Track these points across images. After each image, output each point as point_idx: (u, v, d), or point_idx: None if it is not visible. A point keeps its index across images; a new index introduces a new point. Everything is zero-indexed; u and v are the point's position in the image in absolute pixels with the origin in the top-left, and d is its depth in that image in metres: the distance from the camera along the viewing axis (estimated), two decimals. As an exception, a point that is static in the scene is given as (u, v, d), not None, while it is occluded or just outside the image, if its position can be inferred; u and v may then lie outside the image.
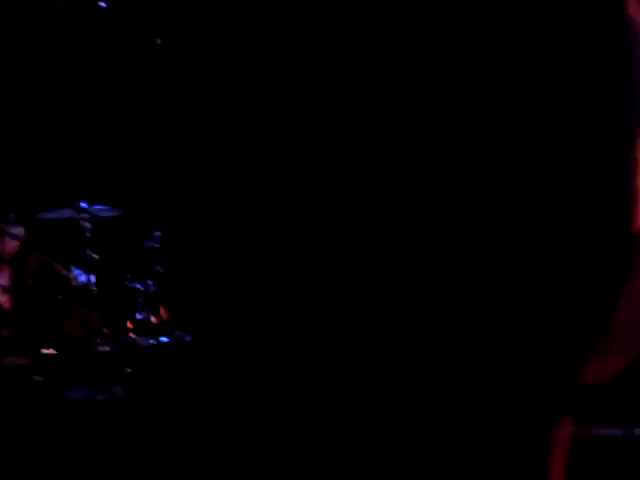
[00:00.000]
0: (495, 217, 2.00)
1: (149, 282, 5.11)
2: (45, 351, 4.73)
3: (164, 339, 4.83)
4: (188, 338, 4.85)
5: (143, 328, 4.96)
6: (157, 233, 5.30)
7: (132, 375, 4.58)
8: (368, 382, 2.08)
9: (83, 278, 5.05)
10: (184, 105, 2.24)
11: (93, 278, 4.94)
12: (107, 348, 4.72)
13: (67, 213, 5.00)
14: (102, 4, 5.12)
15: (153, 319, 5.04)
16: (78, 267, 5.08)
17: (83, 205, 5.02)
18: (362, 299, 2.08)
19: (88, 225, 5.03)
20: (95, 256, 5.01)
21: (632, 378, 2.08)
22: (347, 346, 2.08)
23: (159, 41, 4.88)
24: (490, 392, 2.01)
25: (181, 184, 2.28)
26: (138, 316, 5.04)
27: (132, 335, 4.92)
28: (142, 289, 5.07)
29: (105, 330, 4.88)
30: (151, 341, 4.81)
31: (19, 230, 5.03)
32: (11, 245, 5.01)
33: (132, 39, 5.48)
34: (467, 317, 2.01)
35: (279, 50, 2.08)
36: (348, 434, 2.08)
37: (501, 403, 2.00)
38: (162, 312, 5.09)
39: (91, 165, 5.56)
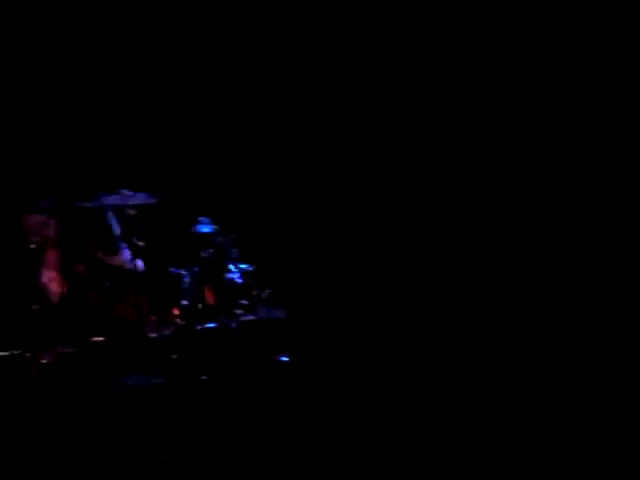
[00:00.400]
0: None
1: (194, 268, 5.13)
2: (95, 338, 4.77)
3: (210, 325, 4.85)
4: (234, 324, 4.88)
5: (189, 314, 4.98)
6: (203, 218, 5.32)
7: (178, 361, 4.61)
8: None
9: (132, 264, 5.08)
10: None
11: (141, 264, 4.97)
12: (154, 334, 4.75)
13: (111, 200, 5.04)
14: None
15: (199, 305, 5.06)
16: (124, 254, 5.11)
17: (127, 192, 5.06)
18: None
19: (132, 212, 5.07)
20: (140, 243, 5.04)
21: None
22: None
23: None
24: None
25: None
26: (183, 302, 5.06)
27: (178, 321, 4.93)
28: (187, 275, 5.09)
29: (152, 316, 4.91)
30: (197, 327, 4.83)
31: (59, 223, 5.06)
32: (52, 237, 5.04)
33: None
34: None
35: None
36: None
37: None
38: (208, 298, 5.10)
39: (135, 152, 5.58)
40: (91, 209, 5.14)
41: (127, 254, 5.06)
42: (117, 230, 5.09)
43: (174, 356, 4.63)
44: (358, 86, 4.18)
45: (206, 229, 5.29)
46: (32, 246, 4.98)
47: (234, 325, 4.87)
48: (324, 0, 4.71)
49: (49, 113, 5.39)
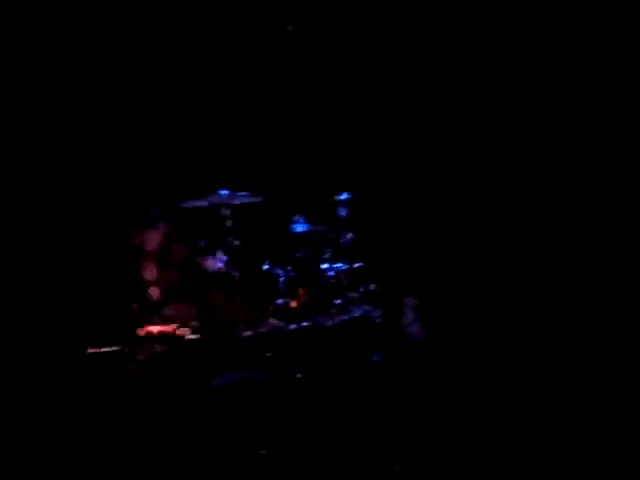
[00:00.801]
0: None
1: (289, 268, 5.14)
2: (189, 337, 4.81)
3: (305, 323, 4.86)
4: (328, 322, 4.87)
5: (284, 313, 4.99)
6: (298, 218, 5.34)
7: (274, 359, 4.62)
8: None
9: (228, 264, 5.12)
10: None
11: (233, 265, 5.02)
12: (249, 333, 4.77)
13: (209, 201, 5.09)
14: None
15: (293, 304, 5.07)
16: (220, 254, 5.15)
17: (224, 192, 5.11)
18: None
19: (228, 212, 5.11)
20: (236, 242, 5.09)
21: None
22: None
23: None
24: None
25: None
26: (278, 301, 5.08)
27: (273, 320, 4.95)
28: (282, 274, 5.11)
29: (248, 315, 4.93)
30: (292, 326, 4.84)
31: (162, 225, 5.14)
32: (155, 240, 5.12)
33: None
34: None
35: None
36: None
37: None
38: (302, 297, 5.11)
39: (232, 152, 5.63)
40: (193, 210, 5.20)
41: (223, 254, 5.11)
42: (215, 230, 5.15)
43: (269, 354, 4.65)
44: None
45: (301, 228, 5.30)
46: (134, 245, 5.08)
47: (329, 324, 4.86)
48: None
49: (148, 118, 5.47)
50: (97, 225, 4.97)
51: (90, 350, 4.46)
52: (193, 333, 4.73)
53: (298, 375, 4.46)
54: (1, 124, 3.67)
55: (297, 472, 3.65)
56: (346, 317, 4.92)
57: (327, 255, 5.24)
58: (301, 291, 5.11)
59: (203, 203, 5.11)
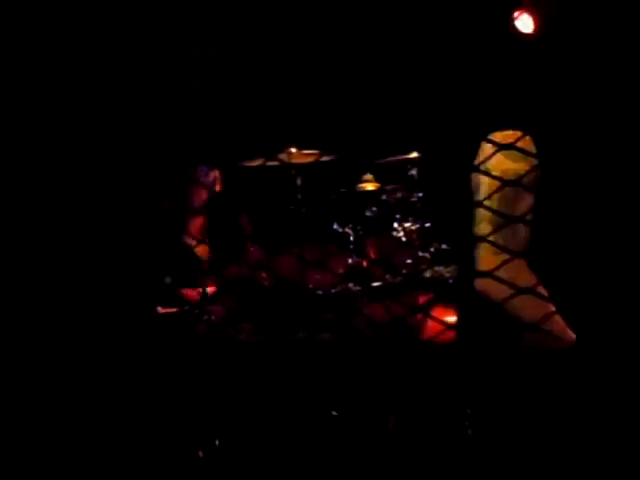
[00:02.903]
0: None
1: (358, 227, 5.09)
2: (259, 295, 4.80)
3: (375, 284, 4.81)
4: (399, 283, 4.81)
5: (354, 273, 4.95)
6: (368, 175, 5.28)
7: (341, 320, 4.59)
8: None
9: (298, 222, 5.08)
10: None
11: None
12: (320, 292, 4.74)
13: (275, 159, 5.05)
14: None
15: (364, 263, 5.02)
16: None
17: (294, 150, 5.06)
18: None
19: (295, 171, 5.06)
20: (304, 201, 5.04)
21: None
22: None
23: None
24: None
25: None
26: (348, 260, 5.03)
27: (344, 280, 4.91)
28: (352, 233, 5.06)
29: (318, 275, 4.90)
30: (362, 286, 4.79)
31: (212, 177, 5.10)
32: (204, 196, 5.10)
33: None
34: None
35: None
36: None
37: None
38: (372, 256, 5.06)
39: (301, 110, 5.57)
40: (253, 169, 5.17)
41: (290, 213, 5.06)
42: (283, 189, 5.11)
43: (339, 314, 4.61)
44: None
45: (371, 187, 5.24)
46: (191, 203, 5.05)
47: (399, 284, 4.80)
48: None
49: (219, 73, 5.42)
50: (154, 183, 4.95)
51: (160, 311, 4.47)
52: (261, 292, 4.72)
53: (365, 335, 4.42)
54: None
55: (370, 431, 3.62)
56: (417, 277, 4.86)
57: (397, 214, 5.17)
58: (371, 251, 5.06)
59: (272, 162, 5.07)
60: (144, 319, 4.29)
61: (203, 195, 5.10)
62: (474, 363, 3.02)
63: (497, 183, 2.69)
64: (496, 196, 2.75)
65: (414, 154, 5.26)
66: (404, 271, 4.91)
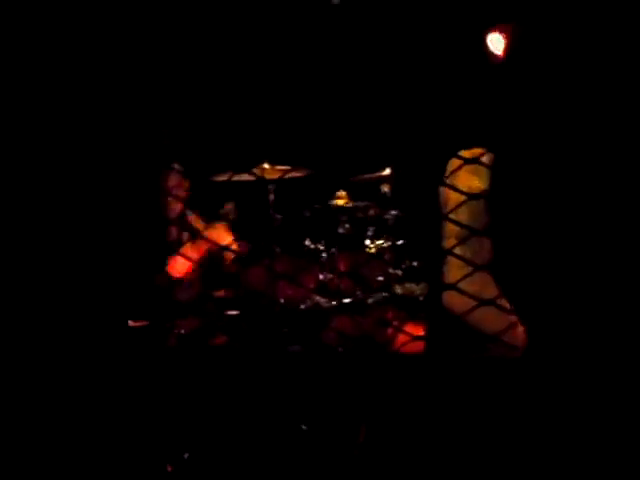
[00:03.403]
0: None
1: (331, 243, 5.12)
2: (229, 311, 4.81)
3: (346, 300, 4.83)
4: (370, 300, 4.84)
5: (324, 289, 4.97)
6: (341, 192, 5.31)
7: (313, 335, 4.60)
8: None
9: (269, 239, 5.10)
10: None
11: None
12: (290, 308, 4.75)
13: (249, 175, 5.06)
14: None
15: (335, 280, 5.04)
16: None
17: (266, 166, 5.08)
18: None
19: (271, 186, 5.08)
20: (278, 216, 5.06)
21: None
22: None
23: None
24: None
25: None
26: (320, 277, 5.05)
27: (313, 295, 4.93)
28: (324, 250, 5.09)
29: (287, 290, 4.91)
30: (333, 302, 4.81)
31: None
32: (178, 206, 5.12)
33: None
34: None
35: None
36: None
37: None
38: (344, 273, 5.08)
39: (275, 126, 5.60)
40: (230, 184, 5.18)
41: (265, 228, 5.08)
42: (257, 203, 5.13)
43: (309, 330, 4.62)
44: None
45: (343, 204, 5.27)
46: (171, 218, 5.06)
47: (370, 301, 4.83)
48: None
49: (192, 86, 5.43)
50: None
51: (130, 323, 4.46)
52: (232, 307, 4.73)
53: (339, 349, 4.43)
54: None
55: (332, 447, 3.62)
56: (387, 294, 4.88)
57: (369, 232, 5.20)
58: (342, 267, 5.09)
59: (246, 177, 5.09)
60: (115, 332, 4.29)
61: (177, 205, 5.11)
62: (441, 375, 3.05)
63: (463, 198, 2.74)
64: (465, 212, 2.80)
65: (387, 171, 5.30)
66: (375, 287, 4.94)
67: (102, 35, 3.28)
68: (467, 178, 2.73)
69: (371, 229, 5.20)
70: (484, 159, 2.53)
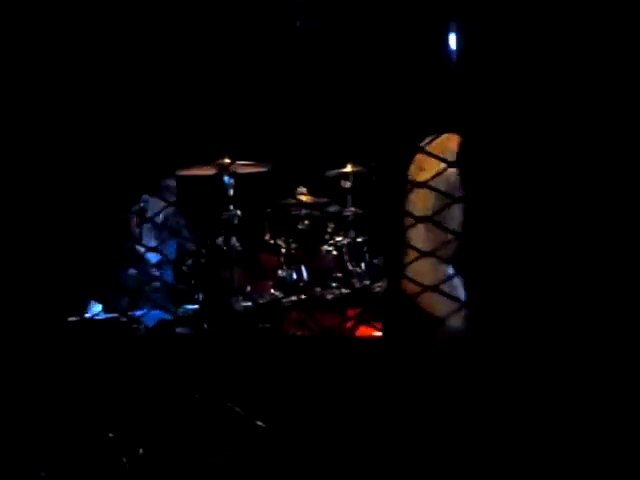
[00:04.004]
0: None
1: (290, 239, 5.09)
2: (190, 306, 4.79)
3: (302, 296, 4.81)
4: (328, 296, 4.82)
5: (284, 285, 4.94)
6: (300, 189, 5.28)
7: (271, 330, 4.57)
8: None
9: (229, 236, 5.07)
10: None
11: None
12: (248, 304, 4.72)
13: (210, 170, 5.03)
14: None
15: (294, 276, 5.02)
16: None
17: (227, 161, 5.04)
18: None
19: (231, 181, 5.04)
20: (238, 212, 5.01)
21: None
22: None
23: None
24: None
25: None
26: (280, 273, 5.02)
27: (273, 291, 4.90)
28: (284, 246, 5.05)
29: (247, 286, 4.89)
30: (292, 298, 4.79)
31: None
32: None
33: None
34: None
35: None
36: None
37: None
38: (304, 269, 5.06)
39: (236, 121, 5.56)
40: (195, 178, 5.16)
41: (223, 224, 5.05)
42: (216, 199, 5.10)
43: (266, 325, 4.60)
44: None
45: (303, 200, 5.25)
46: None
47: (329, 297, 4.81)
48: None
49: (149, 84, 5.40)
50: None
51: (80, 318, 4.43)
52: (193, 302, 4.71)
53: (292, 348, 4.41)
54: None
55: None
56: (347, 290, 4.86)
57: (329, 228, 5.18)
58: (302, 263, 5.06)
59: (206, 171, 5.05)
60: (54, 327, 4.24)
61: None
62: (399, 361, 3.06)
63: (431, 196, 2.74)
64: (430, 206, 2.80)
65: (348, 168, 5.28)
66: (334, 284, 4.92)
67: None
68: (434, 166, 2.73)
69: (331, 225, 5.17)
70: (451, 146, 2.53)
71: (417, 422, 2.57)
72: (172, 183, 5.61)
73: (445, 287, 2.52)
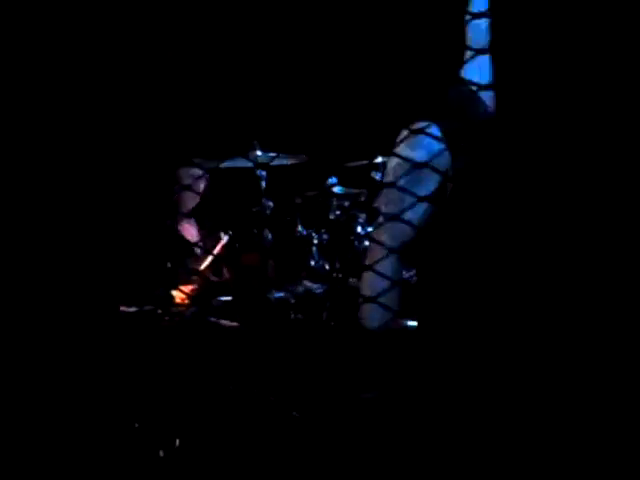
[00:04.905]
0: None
1: (322, 230, 5.12)
2: (223, 298, 4.82)
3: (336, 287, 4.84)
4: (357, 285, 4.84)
5: (316, 275, 4.98)
6: (333, 180, 5.30)
7: (304, 321, 4.61)
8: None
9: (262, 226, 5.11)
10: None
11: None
12: (281, 294, 4.77)
13: (243, 162, 5.07)
14: None
15: (326, 267, 5.05)
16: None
17: (259, 153, 5.09)
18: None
19: (264, 174, 5.09)
20: (270, 204, 5.06)
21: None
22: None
23: None
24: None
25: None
26: (312, 264, 5.06)
27: (306, 282, 4.94)
28: (316, 237, 5.09)
29: (279, 277, 4.93)
30: (324, 288, 4.82)
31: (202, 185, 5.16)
32: (193, 200, 5.14)
33: None
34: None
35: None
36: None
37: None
38: (334, 260, 5.09)
39: (267, 112, 5.59)
40: (224, 171, 5.19)
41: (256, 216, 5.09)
42: (251, 190, 5.14)
43: (300, 316, 4.64)
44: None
45: (336, 191, 5.27)
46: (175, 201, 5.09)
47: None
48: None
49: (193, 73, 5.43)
50: (134, 183, 4.95)
51: (123, 309, 4.46)
52: (225, 294, 4.74)
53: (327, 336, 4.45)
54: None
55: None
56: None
57: (361, 219, 5.20)
58: (333, 254, 5.10)
59: (240, 163, 5.10)
60: (107, 318, 4.29)
61: (193, 201, 5.14)
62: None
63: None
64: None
65: (379, 159, 5.29)
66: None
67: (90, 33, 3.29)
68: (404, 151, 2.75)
69: (363, 215, 5.20)
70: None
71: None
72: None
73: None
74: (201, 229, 5.20)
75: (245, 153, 5.08)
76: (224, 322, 4.56)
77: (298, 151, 5.19)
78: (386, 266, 2.80)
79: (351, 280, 4.90)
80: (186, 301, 4.78)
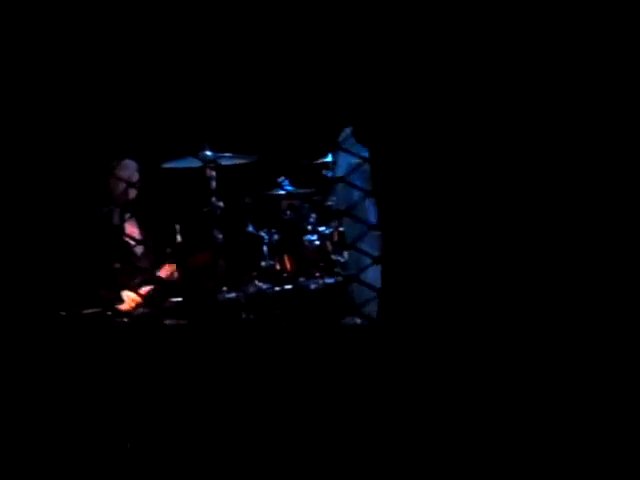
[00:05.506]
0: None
1: (273, 231, 5.10)
2: (173, 299, 4.79)
3: (287, 287, 4.83)
4: (312, 286, 4.84)
5: (267, 276, 4.96)
6: (283, 180, 5.29)
7: (255, 321, 4.59)
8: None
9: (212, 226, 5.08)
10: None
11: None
12: (231, 295, 4.74)
13: (193, 162, 5.04)
14: None
15: (277, 267, 5.04)
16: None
17: (208, 153, 5.05)
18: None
19: (213, 173, 5.05)
20: (220, 204, 5.03)
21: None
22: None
23: None
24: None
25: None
26: (262, 264, 5.04)
27: (257, 283, 4.92)
28: (266, 237, 5.07)
29: (230, 278, 4.90)
30: (275, 289, 4.81)
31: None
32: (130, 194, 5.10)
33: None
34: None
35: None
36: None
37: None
38: (286, 260, 5.08)
39: (217, 112, 5.56)
40: (173, 170, 5.15)
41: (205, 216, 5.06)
42: (199, 190, 5.10)
43: (250, 317, 4.62)
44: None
45: (286, 191, 5.26)
46: (116, 206, 5.04)
47: (312, 287, 4.83)
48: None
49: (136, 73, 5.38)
50: (75, 185, 4.90)
51: (69, 312, 4.41)
52: (176, 295, 4.71)
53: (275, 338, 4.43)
54: None
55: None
56: (330, 280, 4.89)
57: (312, 218, 5.19)
58: (285, 254, 5.08)
59: (189, 163, 5.06)
60: (47, 320, 4.24)
61: (129, 193, 5.08)
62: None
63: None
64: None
65: (330, 157, 5.29)
66: (317, 274, 4.95)
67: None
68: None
69: (313, 215, 5.19)
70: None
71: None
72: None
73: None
74: (143, 228, 5.15)
75: (195, 153, 5.04)
76: (170, 322, 4.53)
77: (248, 151, 5.17)
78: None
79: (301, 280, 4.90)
80: (134, 303, 4.74)
